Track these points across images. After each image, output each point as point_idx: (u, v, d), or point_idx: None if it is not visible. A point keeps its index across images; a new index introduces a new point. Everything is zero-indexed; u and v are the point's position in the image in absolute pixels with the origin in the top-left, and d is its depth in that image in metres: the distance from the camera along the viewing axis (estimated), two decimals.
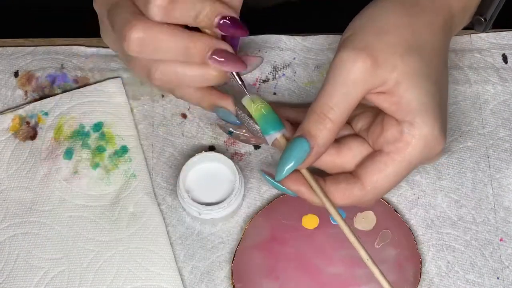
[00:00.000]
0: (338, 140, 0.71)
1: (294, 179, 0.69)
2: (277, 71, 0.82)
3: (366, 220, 0.76)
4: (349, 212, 0.76)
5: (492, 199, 0.78)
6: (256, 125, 0.71)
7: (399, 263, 0.75)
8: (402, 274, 0.74)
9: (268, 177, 0.70)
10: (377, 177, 0.68)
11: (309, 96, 0.81)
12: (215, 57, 0.68)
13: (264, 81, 0.82)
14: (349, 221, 0.76)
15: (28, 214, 0.77)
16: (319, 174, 0.70)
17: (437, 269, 0.76)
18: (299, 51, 0.83)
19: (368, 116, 0.71)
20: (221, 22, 0.67)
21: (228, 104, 0.72)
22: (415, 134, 0.66)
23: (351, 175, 0.69)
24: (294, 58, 0.83)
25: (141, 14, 0.66)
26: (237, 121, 0.72)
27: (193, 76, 0.69)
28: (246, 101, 0.70)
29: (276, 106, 0.72)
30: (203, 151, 0.76)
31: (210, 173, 0.76)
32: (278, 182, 0.69)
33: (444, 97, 0.69)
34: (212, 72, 0.69)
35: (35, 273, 0.75)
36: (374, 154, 0.69)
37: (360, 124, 0.71)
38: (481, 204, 0.78)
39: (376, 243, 0.76)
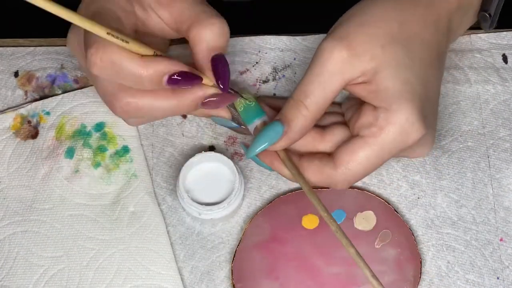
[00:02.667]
0: (323, 127, 0.72)
1: (269, 154, 0.70)
2: (277, 72, 0.83)
3: (366, 220, 0.76)
4: (349, 212, 0.76)
5: (492, 199, 0.78)
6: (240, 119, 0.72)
7: (399, 263, 0.75)
8: (402, 274, 0.74)
9: (246, 149, 0.71)
10: (349, 158, 0.68)
11: None
12: (207, 103, 0.68)
13: (264, 82, 0.82)
14: (349, 221, 0.76)
15: (29, 212, 0.77)
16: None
17: (437, 269, 0.76)
18: (300, 51, 0.83)
19: (354, 105, 0.72)
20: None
21: (222, 112, 0.72)
22: (390, 119, 0.67)
23: (327, 155, 0.70)
24: (294, 59, 0.83)
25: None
26: (236, 125, 0.73)
27: (167, 107, 0.69)
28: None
29: (264, 98, 0.73)
30: (203, 151, 0.76)
31: (210, 173, 0.76)
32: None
33: (430, 91, 0.70)
34: (180, 102, 0.68)
35: (34, 271, 0.75)
36: (351, 138, 0.70)
37: (350, 113, 0.72)
38: (481, 204, 0.78)
39: (376, 243, 0.76)
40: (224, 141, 0.80)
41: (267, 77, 0.82)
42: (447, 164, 0.79)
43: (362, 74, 0.67)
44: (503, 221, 0.77)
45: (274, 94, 0.81)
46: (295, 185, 0.79)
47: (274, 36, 0.84)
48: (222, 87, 0.67)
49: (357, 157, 0.68)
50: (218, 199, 0.75)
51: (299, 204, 0.77)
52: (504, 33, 0.83)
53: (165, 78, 0.65)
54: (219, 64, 0.67)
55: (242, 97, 0.71)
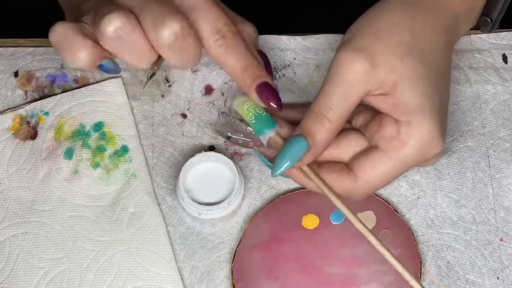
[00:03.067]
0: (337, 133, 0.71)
1: (293, 169, 0.69)
2: (277, 72, 0.82)
3: (366, 220, 0.76)
4: None
5: (492, 199, 0.78)
6: (248, 127, 0.71)
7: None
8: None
9: (263, 157, 0.71)
10: (370, 173, 0.68)
11: (309, 96, 0.81)
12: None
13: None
14: (349, 222, 0.76)
15: (29, 214, 0.77)
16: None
17: (437, 269, 0.76)
18: (299, 51, 0.83)
19: (368, 114, 0.71)
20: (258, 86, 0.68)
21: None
22: (412, 134, 0.66)
23: (346, 166, 0.69)
24: (294, 58, 0.83)
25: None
26: (270, 163, 0.72)
27: None
28: (236, 103, 0.70)
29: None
30: (203, 151, 0.76)
31: (210, 173, 0.76)
32: (270, 163, 0.70)
33: (444, 99, 0.69)
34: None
35: (35, 273, 0.75)
36: (370, 149, 0.69)
37: (360, 121, 0.71)
38: (481, 204, 0.78)
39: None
40: (224, 141, 0.80)
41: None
42: (447, 164, 0.79)
43: (381, 86, 0.66)
44: (503, 221, 0.77)
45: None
46: (295, 185, 0.79)
47: (274, 36, 0.83)
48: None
49: (378, 172, 0.67)
50: (218, 199, 0.75)
51: (299, 204, 0.77)
52: (504, 33, 0.83)
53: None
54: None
55: (231, 116, 0.71)
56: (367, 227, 0.67)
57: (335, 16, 0.71)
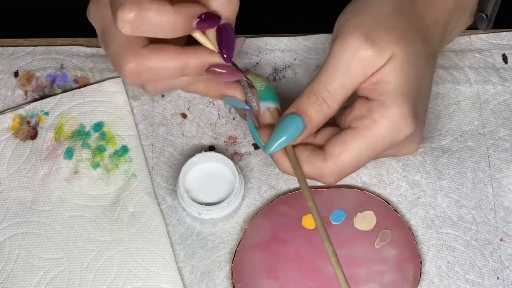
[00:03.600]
0: None
1: (269, 134, 0.70)
2: (277, 73, 0.82)
3: (366, 220, 0.76)
4: (349, 212, 0.76)
5: (492, 199, 0.78)
6: (254, 103, 0.72)
7: (399, 263, 0.75)
8: (402, 274, 0.74)
9: (251, 122, 0.71)
10: (339, 149, 0.68)
11: None
12: (212, 70, 0.68)
13: None
14: (349, 221, 0.76)
15: (29, 214, 0.77)
16: None
17: (437, 269, 0.76)
18: (300, 51, 0.83)
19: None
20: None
21: (236, 92, 0.72)
22: (383, 113, 0.67)
23: (318, 147, 0.70)
24: (295, 59, 0.83)
25: (131, 40, 0.67)
26: (247, 107, 0.72)
27: (186, 81, 0.70)
28: (252, 74, 0.72)
29: None
30: (203, 151, 0.76)
31: (210, 173, 0.76)
32: (255, 130, 0.71)
33: (424, 87, 0.70)
34: (191, 63, 0.69)
35: (35, 273, 0.75)
36: (343, 130, 0.69)
37: (339, 112, 0.72)
38: (481, 204, 0.78)
39: (376, 243, 0.76)
40: (224, 141, 0.80)
41: (267, 78, 0.82)
42: (447, 164, 0.79)
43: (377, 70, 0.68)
44: (503, 221, 0.77)
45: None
46: (295, 185, 0.79)
47: (274, 37, 0.83)
48: (225, 56, 0.67)
49: (348, 149, 0.68)
50: (218, 199, 0.76)
51: (299, 204, 0.77)
52: (504, 33, 0.83)
53: (195, 21, 0.66)
54: (224, 33, 0.67)
55: (246, 78, 0.71)
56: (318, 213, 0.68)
57: (334, 16, 0.71)
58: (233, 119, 0.81)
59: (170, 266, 0.75)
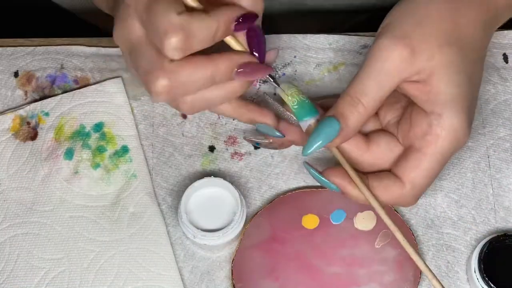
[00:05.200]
0: (367, 136, 0.71)
1: (337, 173, 0.69)
2: (277, 71, 0.82)
3: (366, 220, 0.76)
4: (349, 212, 0.76)
5: (492, 199, 0.78)
6: (291, 115, 0.71)
7: (399, 263, 0.75)
8: (402, 274, 0.74)
9: (312, 170, 0.70)
10: (414, 174, 0.67)
11: (310, 94, 0.81)
12: (241, 72, 0.67)
13: (264, 81, 0.82)
14: (349, 221, 0.76)
15: (29, 214, 0.77)
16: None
17: (437, 269, 0.76)
18: (300, 49, 0.83)
19: (396, 109, 0.71)
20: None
21: (269, 119, 0.72)
22: (444, 125, 0.66)
23: (392, 173, 0.69)
24: (294, 57, 0.83)
25: (161, 56, 0.65)
26: (279, 134, 0.72)
27: (221, 94, 0.68)
28: (280, 89, 0.70)
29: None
30: (212, 176, 0.75)
31: (215, 199, 0.75)
32: (320, 175, 0.69)
33: (475, 93, 0.69)
34: (237, 84, 0.68)
35: (35, 273, 0.75)
36: (408, 151, 0.68)
37: (388, 118, 0.71)
38: (481, 204, 0.78)
39: (376, 243, 0.76)
40: (224, 141, 0.80)
41: (267, 76, 0.82)
42: (447, 164, 0.79)
43: (417, 73, 0.66)
44: (503, 221, 0.77)
45: (275, 94, 0.81)
46: (295, 185, 0.78)
47: (274, 35, 0.83)
48: (256, 55, 0.67)
49: (422, 171, 0.67)
50: (215, 227, 0.74)
51: (299, 204, 0.77)
52: (505, 32, 0.83)
53: (233, 24, 0.65)
54: (253, 33, 0.67)
55: (272, 79, 0.70)
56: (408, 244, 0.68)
57: (335, 16, 0.71)
58: (233, 119, 0.81)
59: (170, 266, 0.75)
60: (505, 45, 0.83)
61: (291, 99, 0.70)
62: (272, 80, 0.70)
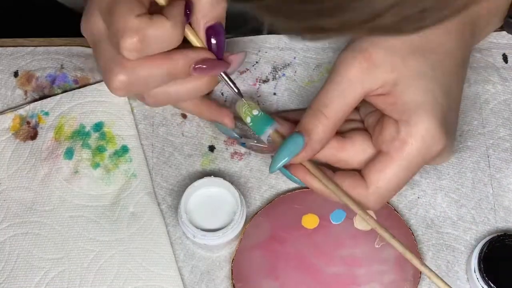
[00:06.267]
0: (343, 134, 0.71)
1: (300, 169, 0.70)
2: (277, 71, 0.82)
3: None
4: (349, 212, 0.76)
5: (492, 199, 0.78)
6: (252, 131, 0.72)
7: (399, 263, 0.75)
8: (402, 274, 0.74)
9: (283, 168, 0.71)
10: (377, 176, 0.68)
11: (309, 96, 0.81)
12: (198, 67, 0.69)
13: (264, 81, 0.82)
14: (349, 221, 0.76)
15: (29, 214, 0.77)
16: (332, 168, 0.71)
17: (437, 269, 0.76)
18: (300, 50, 0.83)
19: (377, 114, 0.71)
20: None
21: (226, 120, 0.73)
22: (411, 132, 0.66)
23: (359, 174, 0.69)
24: (294, 58, 0.83)
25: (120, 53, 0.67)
26: (236, 135, 0.73)
27: (184, 90, 0.71)
28: (236, 109, 0.72)
29: (281, 112, 0.73)
30: (212, 176, 0.75)
31: (215, 199, 0.75)
32: (284, 169, 0.70)
33: (453, 98, 0.69)
34: (200, 81, 0.70)
35: (35, 273, 0.75)
36: (377, 154, 0.69)
37: (370, 120, 0.72)
38: (481, 204, 0.78)
39: (376, 243, 0.76)
40: (224, 141, 0.80)
41: (267, 76, 0.82)
42: (447, 164, 0.79)
43: (381, 86, 0.67)
44: (503, 221, 0.77)
45: (274, 94, 0.81)
46: (295, 185, 0.78)
47: (274, 36, 0.83)
48: (214, 51, 0.69)
49: (386, 176, 0.67)
50: (216, 227, 0.74)
51: (299, 204, 0.77)
52: (504, 32, 0.83)
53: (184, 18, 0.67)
54: (213, 31, 0.69)
55: (236, 88, 0.71)
56: (387, 231, 0.68)
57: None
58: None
59: (170, 266, 0.75)
60: (505, 45, 0.83)
61: (245, 116, 0.71)
62: (231, 84, 0.72)
